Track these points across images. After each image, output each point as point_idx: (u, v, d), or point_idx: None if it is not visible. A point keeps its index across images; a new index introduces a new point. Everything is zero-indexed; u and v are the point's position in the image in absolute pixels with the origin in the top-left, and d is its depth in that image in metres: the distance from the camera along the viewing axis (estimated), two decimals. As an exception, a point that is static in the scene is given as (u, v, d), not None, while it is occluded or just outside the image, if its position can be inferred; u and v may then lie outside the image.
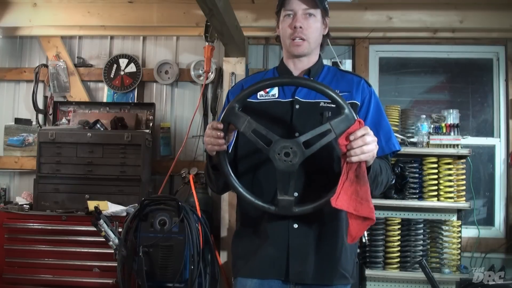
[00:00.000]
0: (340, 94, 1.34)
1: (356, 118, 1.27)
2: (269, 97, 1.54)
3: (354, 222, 1.27)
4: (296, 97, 1.50)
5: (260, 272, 1.46)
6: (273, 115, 1.49)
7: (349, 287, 1.52)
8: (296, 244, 1.44)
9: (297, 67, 1.57)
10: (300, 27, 1.47)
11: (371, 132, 1.26)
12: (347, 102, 1.44)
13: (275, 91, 1.54)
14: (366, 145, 1.24)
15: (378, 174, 1.40)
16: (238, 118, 1.32)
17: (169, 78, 3.61)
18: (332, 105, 1.42)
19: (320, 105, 1.48)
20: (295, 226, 1.43)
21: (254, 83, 1.36)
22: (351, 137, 1.24)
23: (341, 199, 1.25)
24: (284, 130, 1.46)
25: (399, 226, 2.95)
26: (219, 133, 1.32)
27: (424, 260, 2.53)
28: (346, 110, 1.27)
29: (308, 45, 1.51)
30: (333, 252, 1.44)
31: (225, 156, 1.36)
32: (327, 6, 1.55)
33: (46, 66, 3.64)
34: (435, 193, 2.96)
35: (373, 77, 3.54)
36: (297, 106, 1.48)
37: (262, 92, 1.53)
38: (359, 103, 1.50)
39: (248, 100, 1.51)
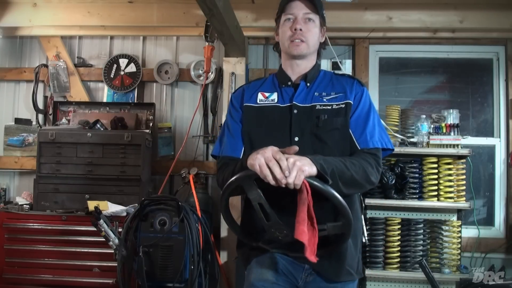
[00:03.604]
0: (335, 96, 1.50)
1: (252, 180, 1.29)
2: (268, 102, 1.59)
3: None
4: (294, 102, 1.54)
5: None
6: (273, 120, 1.54)
7: (356, 283, 1.55)
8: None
9: (295, 72, 1.62)
10: (300, 30, 1.53)
11: (272, 162, 1.24)
12: (343, 102, 1.53)
13: (274, 96, 1.60)
14: (287, 172, 1.23)
15: (344, 170, 1.36)
16: (251, 188, 1.31)
17: (169, 78, 3.61)
18: (328, 107, 1.51)
19: (316, 108, 1.53)
20: None
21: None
22: (273, 183, 1.25)
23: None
24: (283, 134, 1.51)
25: (399, 226, 2.95)
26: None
27: (424, 260, 2.52)
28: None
29: (307, 46, 1.56)
30: (339, 250, 1.46)
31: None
32: (324, 15, 1.62)
33: (46, 66, 3.64)
34: (435, 193, 2.95)
35: (373, 77, 3.54)
36: (295, 111, 1.52)
37: (261, 97, 1.60)
38: (352, 102, 1.54)
39: (247, 104, 1.60)
